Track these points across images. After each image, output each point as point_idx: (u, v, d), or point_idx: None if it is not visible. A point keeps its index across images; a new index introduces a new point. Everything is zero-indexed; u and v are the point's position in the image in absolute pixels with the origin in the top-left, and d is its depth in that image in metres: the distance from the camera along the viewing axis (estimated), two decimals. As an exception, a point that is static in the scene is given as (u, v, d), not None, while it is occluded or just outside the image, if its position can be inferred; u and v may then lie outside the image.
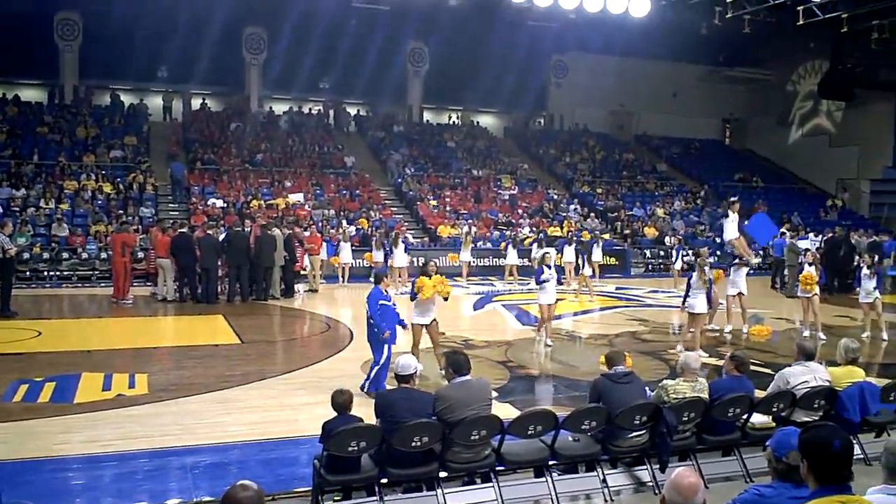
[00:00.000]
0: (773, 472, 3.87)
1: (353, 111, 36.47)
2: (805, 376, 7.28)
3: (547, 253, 13.86)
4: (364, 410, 6.31)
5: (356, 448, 5.83)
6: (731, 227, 15.71)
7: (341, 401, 6.28)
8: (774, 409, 7.18)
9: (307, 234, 20.78)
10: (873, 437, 7.39)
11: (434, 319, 10.43)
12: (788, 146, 38.77)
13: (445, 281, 10.49)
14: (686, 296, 12.71)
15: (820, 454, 3.23)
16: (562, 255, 21.98)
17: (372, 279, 10.50)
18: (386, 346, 9.55)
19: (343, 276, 21.55)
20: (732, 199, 16.62)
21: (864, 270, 14.69)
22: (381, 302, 9.73)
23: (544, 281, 12.74)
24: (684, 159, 37.85)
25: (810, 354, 7.55)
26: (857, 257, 21.27)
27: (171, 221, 20.02)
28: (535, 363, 12.03)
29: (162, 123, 32.27)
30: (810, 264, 14.61)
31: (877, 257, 16.10)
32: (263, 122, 32.88)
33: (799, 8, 25.69)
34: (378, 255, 21.14)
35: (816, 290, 14.31)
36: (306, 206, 25.56)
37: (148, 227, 21.75)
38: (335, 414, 6.25)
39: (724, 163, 38.18)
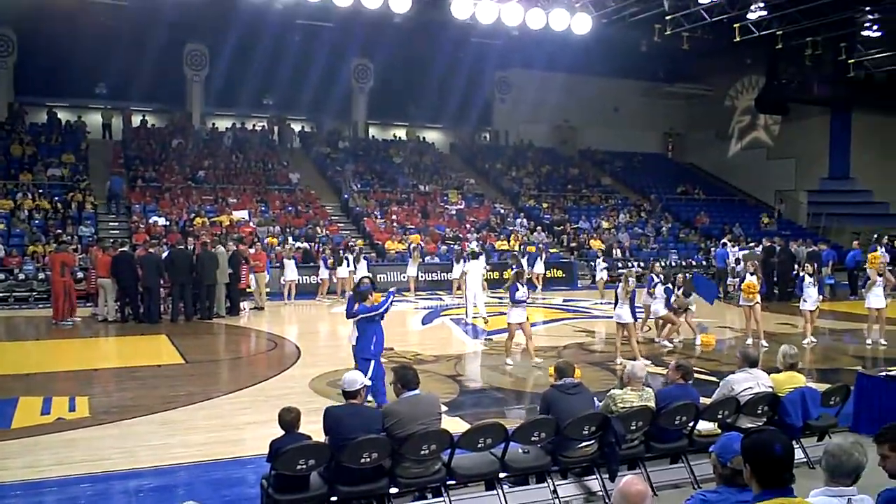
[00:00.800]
0: (719, 477, 3.93)
1: (297, 127, 36.27)
2: (748, 383, 7.42)
3: (521, 270, 13.60)
4: (312, 428, 6.23)
5: (305, 466, 5.75)
6: None
7: (289, 419, 6.19)
8: (720, 416, 7.31)
9: (252, 251, 20.52)
10: (815, 440, 7.56)
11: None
12: (728, 159, 39.71)
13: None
14: (632, 308, 12.89)
15: (762, 458, 3.27)
16: (532, 268, 22.28)
17: (356, 295, 10.30)
18: (372, 362, 9.59)
19: (289, 294, 21.32)
20: None
21: (807, 279, 15.08)
22: (361, 316, 9.82)
23: (520, 301, 12.44)
24: (628, 173, 38.46)
25: (753, 361, 7.70)
26: (796, 266, 21.83)
27: (112, 240, 19.58)
28: (485, 377, 12.03)
29: (101, 141, 31.59)
30: (752, 273, 14.92)
31: (816, 265, 16.49)
32: (206, 139, 32.46)
33: (735, 25, 26.33)
34: (324, 272, 21.18)
35: (758, 298, 14.64)
36: (251, 224, 25.26)
37: (87, 246, 21.25)
38: (283, 432, 6.16)
39: (667, 176, 38.90)
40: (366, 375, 9.32)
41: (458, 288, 22.80)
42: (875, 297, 14.91)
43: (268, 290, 20.54)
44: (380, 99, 36.01)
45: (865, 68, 32.20)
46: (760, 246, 24.80)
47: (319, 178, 31.78)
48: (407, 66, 33.51)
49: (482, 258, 20.04)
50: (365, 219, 27.89)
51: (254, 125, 35.08)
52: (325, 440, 6.03)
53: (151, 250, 17.92)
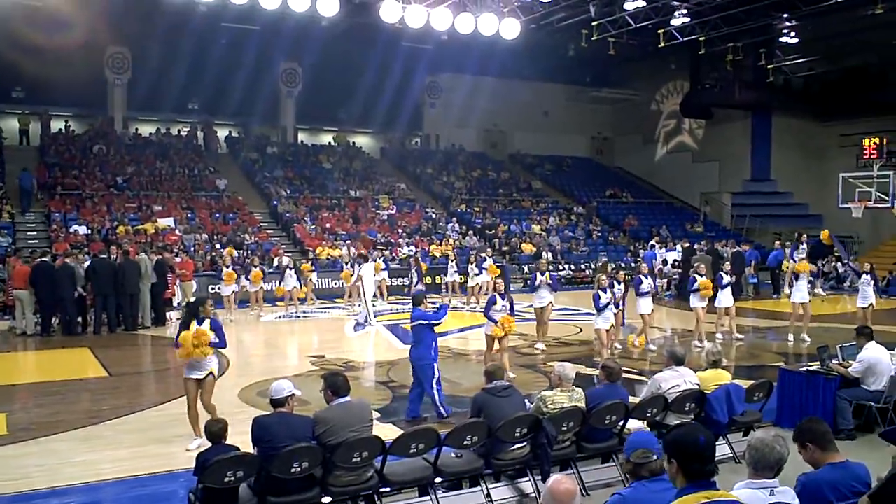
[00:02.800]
0: (627, 472, 4.03)
1: (224, 132, 35.60)
2: (676, 381, 7.57)
3: (498, 280, 13.08)
4: (242, 439, 6.09)
5: (233, 478, 5.65)
6: None
7: (216, 430, 6.08)
8: (649, 414, 7.42)
9: (178, 259, 20.05)
10: (741, 436, 7.73)
11: None
12: (655, 163, 40.51)
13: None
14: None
15: (687, 451, 3.33)
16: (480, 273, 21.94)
17: (411, 301, 10.42)
18: (434, 366, 9.60)
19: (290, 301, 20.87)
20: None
21: (725, 279, 15.50)
22: (420, 322, 9.77)
23: (492, 319, 11.75)
24: (557, 176, 38.90)
25: (680, 360, 7.84)
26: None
27: (31, 250, 18.88)
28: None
29: (18, 147, 30.48)
30: (702, 275, 15.21)
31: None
32: (129, 145, 31.61)
33: (660, 31, 26.92)
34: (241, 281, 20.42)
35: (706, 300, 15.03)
36: (177, 231, 24.70)
37: (3, 256, 20.46)
38: (209, 444, 6.03)
39: (596, 179, 39.45)
40: (432, 380, 9.43)
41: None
42: (798, 292, 15.42)
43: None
44: (309, 103, 35.57)
45: (784, 73, 33.40)
46: (678, 246, 25.38)
47: (247, 184, 31.25)
48: (336, 70, 33.22)
49: (373, 263, 20.30)
50: (295, 225, 27.55)
51: (179, 130, 34.30)
52: (254, 451, 5.90)
53: (68, 260, 17.33)
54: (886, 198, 23.24)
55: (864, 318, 15.13)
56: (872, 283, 16.47)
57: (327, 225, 27.94)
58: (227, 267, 19.43)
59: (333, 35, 29.00)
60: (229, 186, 29.81)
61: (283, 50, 32.46)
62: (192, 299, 19.50)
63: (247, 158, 32.99)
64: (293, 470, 5.72)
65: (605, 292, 12.66)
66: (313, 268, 22.43)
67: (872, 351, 8.65)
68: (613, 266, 24.94)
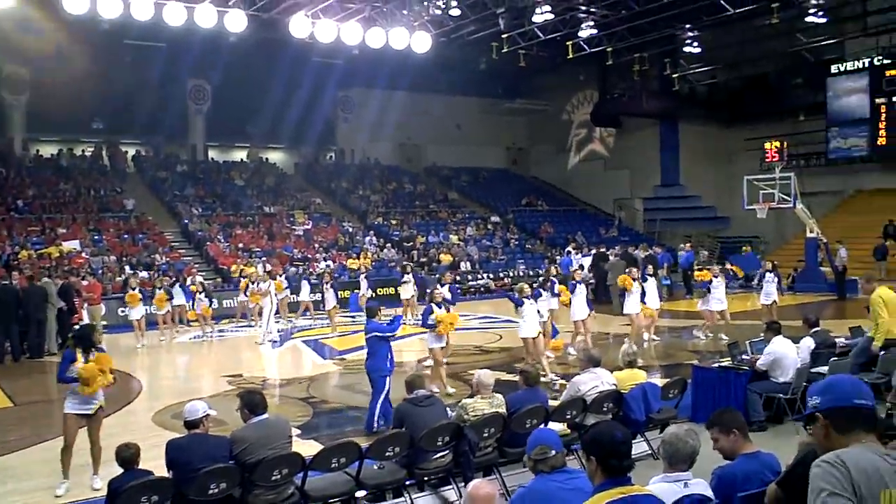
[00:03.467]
0: (530, 470, 4.09)
1: (131, 151, 34.58)
2: (594, 382, 7.68)
3: (438, 290, 12.68)
4: (157, 464, 5.87)
5: (148, 504, 5.42)
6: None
7: (127, 455, 5.86)
8: (568, 416, 7.50)
9: (85, 282, 19.32)
10: (658, 432, 7.87)
11: None
12: (568, 171, 41.27)
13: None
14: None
15: (604, 448, 3.36)
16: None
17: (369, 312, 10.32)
18: (387, 379, 9.46)
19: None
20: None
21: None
22: (374, 334, 9.72)
23: (431, 325, 11.45)
24: (474, 187, 39.21)
25: (597, 362, 7.97)
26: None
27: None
28: (338, 397, 11.82)
29: None
30: (635, 279, 15.47)
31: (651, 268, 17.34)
32: (29, 167, 30.41)
33: (568, 43, 27.47)
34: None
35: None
36: (83, 254, 23.82)
37: None
38: (122, 471, 5.80)
39: (512, 189, 39.91)
40: (383, 392, 9.30)
41: (307, 309, 22.02)
42: (716, 301, 15.84)
43: (104, 322, 19.36)
44: (219, 120, 34.89)
45: (689, 82, 34.49)
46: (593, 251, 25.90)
47: (157, 204, 30.42)
48: (246, 86, 32.72)
49: (279, 279, 20.21)
50: (208, 243, 26.95)
51: (83, 150, 33.19)
52: (169, 474, 5.71)
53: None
54: (788, 198, 24.19)
55: (769, 314, 15.69)
56: (776, 280, 17.11)
57: (241, 243, 27.40)
58: (133, 288, 18.47)
59: (242, 51, 28.54)
60: (138, 206, 28.97)
61: (191, 67, 31.84)
62: (90, 324, 18.99)
63: (155, 177, 32.15)
64: (210, 492, 5.57)
65: (529, 300, 12.47)
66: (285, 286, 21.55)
67: (778, 345, 8.96)
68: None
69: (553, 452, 3.98)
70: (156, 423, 10.29)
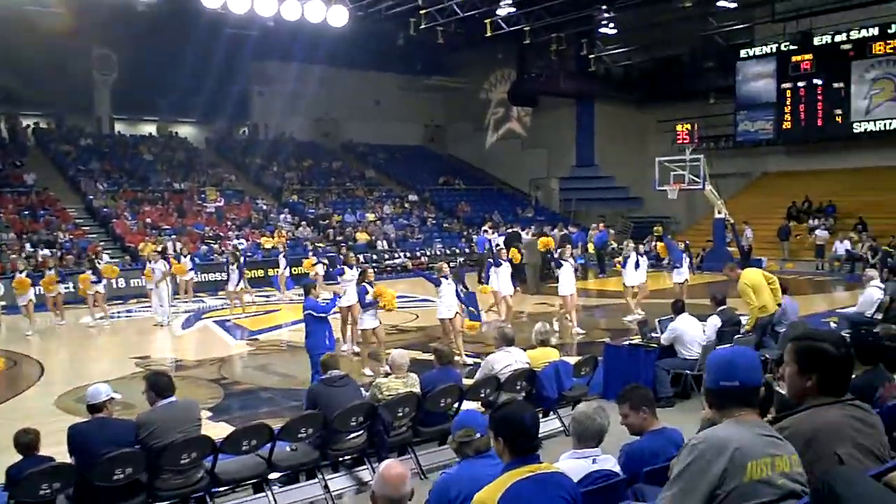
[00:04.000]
0: (454, 451, 4.10)
1: (32, 123, 33.02)
2: (507, 361, 7.75)
3: (369, 270, 12.41)
4: (60, 449, 5.63)
5: (49, 491, 5.27)
6: None
7: (26, 441, 5.60)
8: (482, 395, 7.54)
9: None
10: (570, 410, 7.99)
11: None
12: (486, 150, 41.44)
13: None
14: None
15: (513, 428, 3.39)
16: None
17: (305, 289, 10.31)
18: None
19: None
20: None
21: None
22: (310, 312, 9.67)
23: (371, 303, 11.03)
24: (391, 165, 38.97)
25: (510, 340, 8.03)
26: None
27: None
28: (251, 378, 11.61)
29: None
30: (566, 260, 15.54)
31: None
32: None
33: (486, 21, 27.47)
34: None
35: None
36: (-19, 231, 22.73)
37: None
38: (20, 457, 5.55)
39: (429, 167, 39.88)
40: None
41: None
42: (631, 274, 16.14)
43: (2, 302, 18.51)
44: (126, 92, 33.45)
45: (605, 63, 34.95)
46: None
47: (59, 179, 29.16)
48: (155, 56, 31.43)
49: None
50: (114, 220, 26.01)
51: (-21, 122, 31.58)
52: (71, 460, 5.49)
53: None
54: (698, 180, 24.84)
55: (680, 293, 16.11)
56: (687, 259, 17.60)
57: (149, 220, 26.56)
58: (21, 272, 17.33)
59: (151, 19, 27.53)
60: (39, 181, 27.72)
61: (96, 35, 30.51)
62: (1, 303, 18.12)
63: (58, 151, 30.81)
64: (116, 477, 5.40)
65: (448, 280, 12.36)
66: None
67: (681, 322, 9.20)
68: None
69: (478, 435, 3.97)
70: (59, 407, 9.89)
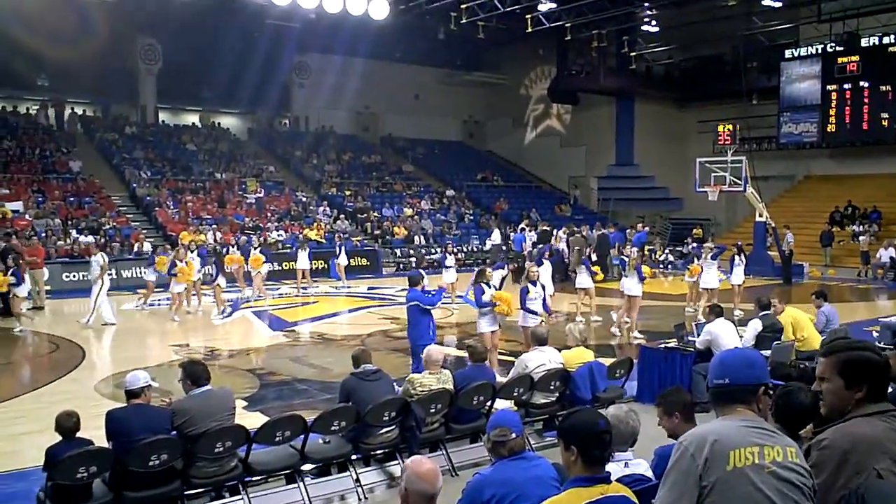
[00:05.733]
0: (488, 451, 4.07)
1: (78, 111, 33.59)
2: (541, 360, 7.71)
3: (490, 270, 12.16)
4: (99, 433, 5.73)
5: (86, 474, 5.34)
6: None
7: (70, 425, 5.71)
8: (515, 394, 7.52)
9: (28, 245, 18.79)
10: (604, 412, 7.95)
11: None
12: (524, 147, 41.27)
13: None
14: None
15: (587, 437, 3.18)
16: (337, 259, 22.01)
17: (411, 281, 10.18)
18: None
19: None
20: None
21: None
22: (416, 303, 9.65)
23: (487, 304, 10.41)
24: (429, 160, 39.01)
25: (543, 340, 8.00)
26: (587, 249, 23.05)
27: None
28: (286, 369, 11.71)
29: None
30: (589, 257, 16.14)
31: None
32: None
33: (527, 16, 27.38)
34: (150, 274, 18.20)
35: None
36: (26, 216, 23.16)
37: None
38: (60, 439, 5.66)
39: (467, 163, 39.83)
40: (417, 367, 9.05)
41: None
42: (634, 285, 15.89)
43: (47, 287, 18.92)
44: (170, 82, 33.90)
45: (646, 61, 34.66)
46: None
47: (104, 166, 29.64)
48: (199, 47, 31.84)
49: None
50: (156, 209, 26.40)
51: (28, 108, 32.16)
52: (108, 445, 5.59)
53: None
54: (740, 182, 24.50)
55: (739, 296, 16.12)
56: (742, 263, 17.26)
57: (191, 209, 26.90)
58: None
59: (195, 10, 27.84)
60: (84, 169, 28.23)
61: (141, 25, 30.99)
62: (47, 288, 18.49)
63: (103, 139, 31.32)
64: (151, 463, 5.47)
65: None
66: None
67: (717, 325, 9.06)
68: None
69: (513, 435, 3.96)
70: (99, 392, 10.08)
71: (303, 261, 20.94)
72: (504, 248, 26.28)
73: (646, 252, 25.40)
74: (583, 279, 16.10)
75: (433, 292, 10.17)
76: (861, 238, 25.86)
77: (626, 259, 15.24)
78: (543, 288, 11.04)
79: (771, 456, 2.57)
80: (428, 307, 9.72)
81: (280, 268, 23.01)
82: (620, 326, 14.69)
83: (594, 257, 18.93)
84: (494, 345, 10.56)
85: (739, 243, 18.67)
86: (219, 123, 37.28)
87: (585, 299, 16.26)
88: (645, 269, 15.05)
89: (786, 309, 9.98)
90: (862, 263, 25.21)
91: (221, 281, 17.31)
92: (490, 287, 10.85)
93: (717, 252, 16.74)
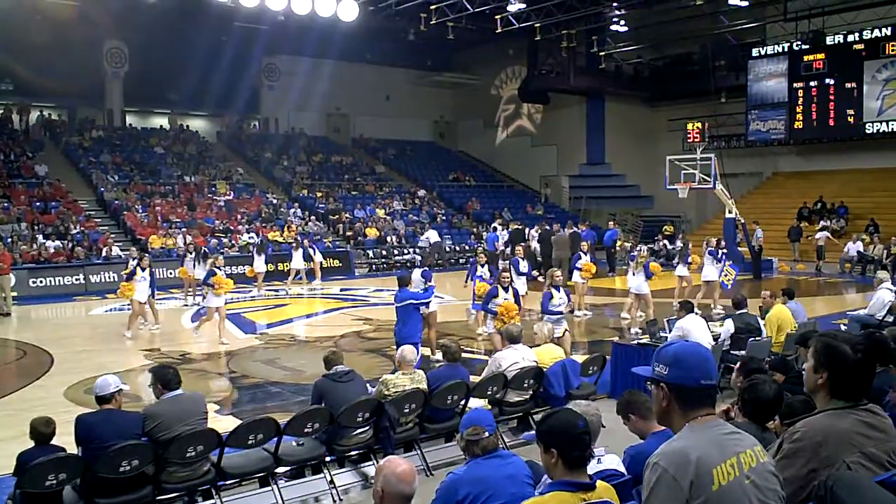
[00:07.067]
0: (462, 450, 4.06)
1: (43, 115, 33.08)
2: (514, 358, 7.72)
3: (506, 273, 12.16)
4: (69, 440, 5.64)
5: (55, 481, 5.26)
6: None
7: (48, 431, 5.61)
8: (489, 392, 7.53)
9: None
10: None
11: None
12: (496, 147, 41.35)
13: None
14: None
15: (566, 438, 3.12)
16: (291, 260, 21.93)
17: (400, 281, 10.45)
18: (418, 346, 9.45)
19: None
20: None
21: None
22: (411, 301, 9.78)
23: (493, 312, 10.98)
24: (401, 161, 38.96)
25: (516, 338, 8.00)
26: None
27: None
28: (259, 372, 11.62)
29: None
30: (585, 252, 16.35)
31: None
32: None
33: (497, 17, 27.41)
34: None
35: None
36: (-9, 222, 22.80)
37: None
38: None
39: (439, 163, 39.84)
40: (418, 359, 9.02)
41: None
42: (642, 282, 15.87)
43: (14, 293, 18.64)
44: (137, 84, 33.51)
45: (615, 61, 34.84)
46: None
47: (71, 171, 29.22)
48: (166, 50, 31.50)
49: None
50: (125, 213, 26.09)
51: (-10, 112, 31.67)
52: (78, 451, 5.51)
53: None
54: (709, 179, 24.71)
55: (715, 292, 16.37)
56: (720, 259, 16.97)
57: (160, 212, 26.63)
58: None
59: (162, 12, 27.53)
60: (51, 173, 27.82)
61: (108, 27, 30.57)
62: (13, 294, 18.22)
63: (70, 143, 30.91)
64: (122, 469, 5.41)
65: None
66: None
67: (688, 321, 9.13)
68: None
69: (487, 434, 3.96)
70: (68, 398, 9.93)
71: (259, 264, 20.81)
72: (440, 248, 26.18)
73: (617, 249, 25.61)
74: (575, 276, 16.24)
75: (423, 290, 10.43)
76: (819, 234, 26.15)
77: (635, 255, 15.34)
78: (567, 295, 10.98)
79: (747, 463, 2.46)
80: (424, 301, 10.15)
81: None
82: (634, 322, 14.75)
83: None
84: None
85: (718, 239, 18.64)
86: (187, 126, 36.91)
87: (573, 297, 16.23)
88: (653, 265, 15.22)
89: (776, 306, 10.04)
90: (816, 258, 25.52)
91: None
92: (558, 291, 10.85)
93: (720, 254, 16.83)
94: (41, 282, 20.59)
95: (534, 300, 17.89)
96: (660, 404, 2.66)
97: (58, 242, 22.56)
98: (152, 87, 34.07)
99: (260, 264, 20.95)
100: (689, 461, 2.39)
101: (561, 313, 10.55)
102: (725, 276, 16.36)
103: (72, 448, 5.56)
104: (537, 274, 20.61)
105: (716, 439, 2.48)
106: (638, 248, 16.07)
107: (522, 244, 18.25)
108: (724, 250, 17.70)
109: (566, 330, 10.76)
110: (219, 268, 14.09)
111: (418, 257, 27.69)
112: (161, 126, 36.46)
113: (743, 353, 8.84)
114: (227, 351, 13.20)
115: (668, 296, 16.86)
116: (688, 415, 2.56)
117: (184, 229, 25.07)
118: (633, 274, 14.84)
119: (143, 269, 14.48)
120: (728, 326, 9.58)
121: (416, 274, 11.83)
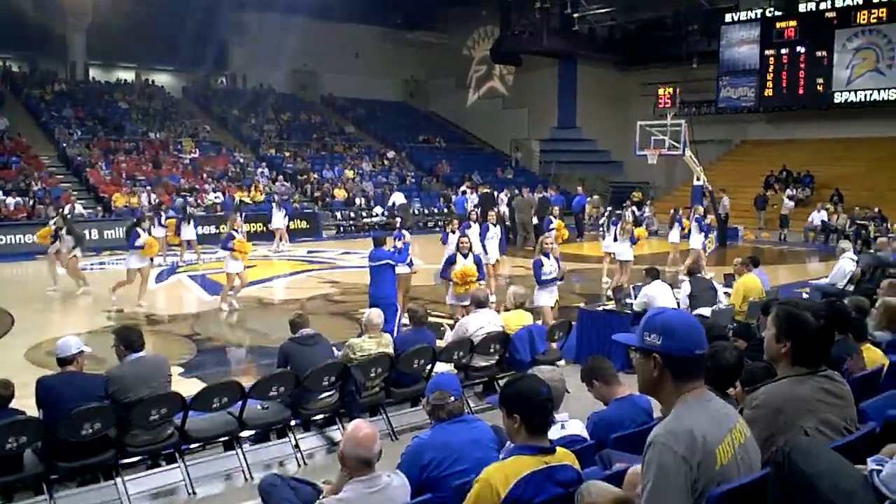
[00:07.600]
0: (428, 414, 4.07)
1: (1, 65, 32.24)
2: (481, 323, 7.73)
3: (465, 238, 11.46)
4: (27, 402, 5.55)
5: (14, 445, 5.19)
6: None
7: (5, 394, 5.52)
8: (455, 357, 7.55)
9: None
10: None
11: None
12: (467, 108, 41.05)
13: None
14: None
15: (530, 405, 3.14)
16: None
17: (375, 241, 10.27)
18: (397, 305, 9.50)
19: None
20: None
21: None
22: (387, 261, 9.72)
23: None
24: (370, 120, 38.57)
25: (483, 303, 8.01)
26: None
27: None
28: (224, 334, 11.54)
29: None
30: (555, 217, 16.58)
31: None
32: None
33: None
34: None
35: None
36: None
37: None
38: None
39: (409, 124, 39.52)
40: (396, 318, 9.21)
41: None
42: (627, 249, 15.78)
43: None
44: (101, 37, 32.65)
45: (588, 23, 34.58)
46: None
47: (32, 125, 28.57)
48: (132, 2, 30.75)
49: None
50: (87, 170, 25.58)
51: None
52: (39, 414, 5.43)
53: None
54: (678, 146, 24.75)
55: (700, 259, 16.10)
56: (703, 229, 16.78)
57: (124, 169, 26.16)
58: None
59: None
60: (11, 127, 27.15)
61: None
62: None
63: (31, 96, 30.15)
64: (84, 432, 5.34)
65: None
66: None
67: (654, 287, 9.21)
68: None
69: (452, 399, 3.97)
70: (29, 360, 9.79)
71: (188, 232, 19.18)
72: (406, 210, 25.99)
73: (585, 214, 25.70)
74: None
75: (399, 250, 10.35)
76: (785, 202, 26.45)
77: (619, 222, 15.07)
78: (557, 261, 10.48)
79: (738, 440, 2.44)
80: (401, 263, 10.19)
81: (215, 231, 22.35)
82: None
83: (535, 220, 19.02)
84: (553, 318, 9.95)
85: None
86: (152, 81, 36.18)
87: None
88: (638, 231, 15.13)
89: (746, 275, 10.07)
90: (780, 227, 25.84)
91: (78, 252, 14.84)
92: (549, 258, 10.25)
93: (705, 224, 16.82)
94: (1, 239, 20.19)
95: (508, 265, 18.06)
96: (649, 375, 2.53)
97: (18, 199, 22.10)
98: (117, 40, 33.18)
99: (279, 220, 21.76)
100: (696, 441, 2.33)
101: (553, 280, 10.22)
102: (710, 243, 16.51)
103: (32, 411, 5.48)
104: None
105: (713, 415, 2.44)
106: (624, 215, 15.84)
107: (494, 209, 18.17)
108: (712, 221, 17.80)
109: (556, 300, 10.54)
110: (236, 230, 13.17)
111: (390, 220, 27.61)
112: (126, 80, 35.67)
113: (708, 311, 8.95)
114: (192, 312, 13.08)
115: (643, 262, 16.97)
116: (680, 387, 2.47)
117: (148, 187, 24.69)
118: (618, 240, 14.65)
119: (238, 231, 13.26)
120: (685, 289, 9.70)
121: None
